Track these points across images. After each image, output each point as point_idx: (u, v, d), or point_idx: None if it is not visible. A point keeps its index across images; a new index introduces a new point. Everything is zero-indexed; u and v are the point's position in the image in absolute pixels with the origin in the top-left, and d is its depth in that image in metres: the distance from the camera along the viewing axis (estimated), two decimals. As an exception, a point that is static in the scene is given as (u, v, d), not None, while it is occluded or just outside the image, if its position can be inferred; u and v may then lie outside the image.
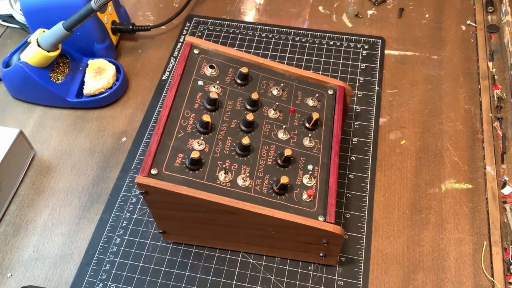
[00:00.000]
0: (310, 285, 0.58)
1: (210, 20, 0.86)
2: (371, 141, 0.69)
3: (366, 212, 0.63)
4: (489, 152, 0.67)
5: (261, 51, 0.80)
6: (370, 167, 0.67)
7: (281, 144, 0.56)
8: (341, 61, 0.78)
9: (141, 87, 0.78)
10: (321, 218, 0.52)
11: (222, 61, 0.60)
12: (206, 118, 0.54)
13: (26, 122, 0.74)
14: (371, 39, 0.81)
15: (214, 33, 0.83)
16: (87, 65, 0.76)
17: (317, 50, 0.80)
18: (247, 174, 0.53)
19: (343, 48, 0.80)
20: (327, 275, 0.59)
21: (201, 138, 0.54)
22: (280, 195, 0.53)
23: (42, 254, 0.62)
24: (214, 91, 0.57)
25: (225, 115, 0.56)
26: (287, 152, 0.53)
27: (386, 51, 0.80)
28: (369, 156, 0.68)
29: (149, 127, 0.72)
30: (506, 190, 0.64)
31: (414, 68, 0.77)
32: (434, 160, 0.67)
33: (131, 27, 0.80)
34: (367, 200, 0.64)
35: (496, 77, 0.75)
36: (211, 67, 0.59)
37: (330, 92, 0.61)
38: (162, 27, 0.84)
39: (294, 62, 0.79)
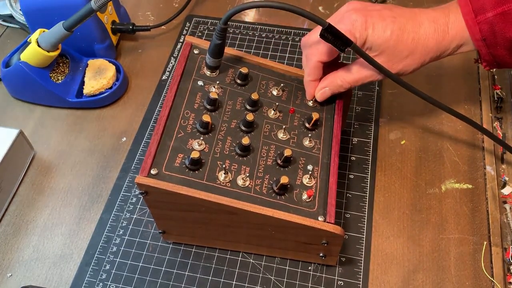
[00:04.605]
0: (310, 285, 0.58)
1: (210, 20, 0.86)
2: (371, 141, 0.69)
3: (366, 212, 0.63)
4: (489, 152, 0.67)
5: (261, 51, 0.80)
6: (370, 167, 0.67)
7: (281, 144, 0.56)
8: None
9: (141, 87, 0.78)
10: (321, 218, 0.52)
11: (222, 61, 0.59)
12: (206, 118, 0.54)
13: (26, 122, 0.74)
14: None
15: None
16: (87, 65, 0.76)
17: (317, 50, 0.80)
18: (247, 174, 0.53)
19: (343, 48, 0.80)
20: (327, 275, 0.59)
21: (201, 138, 0.54)
22: (280, 195, 0.53)
23: (42, 254, 0.62)
24: (214, 91, 0.57)
25: (225, 115, 0.56)
26: (287, 152, 0.53)
27: (386, 51, 0.80)
28: (369, 156, 0.68)
29: (149, 127, 0.72)
30: (506, 190, 0.64)
31: (414, 68, 0.77)
32: (434, 160, 0.67)
33: (131, 27, 0.80)
34: (367, 200, 0.64)
35: (496, 77, 0.75)
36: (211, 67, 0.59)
37: (330, 92, 0.61)
38: (162, 27, 0.84)
39: (294, 62, 0.79)
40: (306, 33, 0.58)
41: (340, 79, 0.57)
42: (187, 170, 0.52)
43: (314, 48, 0.56)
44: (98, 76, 0.74)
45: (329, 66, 0.58)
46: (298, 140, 0.57)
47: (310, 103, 0.60)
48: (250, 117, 0.55)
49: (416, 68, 0.56)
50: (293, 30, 0.83)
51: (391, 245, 0.61)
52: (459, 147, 0.69)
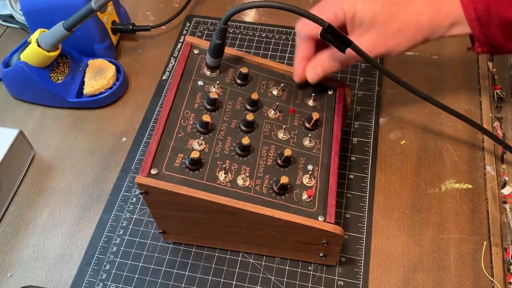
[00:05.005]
0: (310, 285, 0.58)
1: (210, 20, 0.86)
2: (371, 141, 0.69)
3: (366, 212, 0.63)
4: (489, 152, 0.67)
5: (261, 51, 0.80)
6: (370, 167, 0.67)
7: (281, 144, 0.56)
8: (341, 61, 0.78)
9: (141, 87, 0.78)
10: (321, 218, 0.52)
11: (222, 61, 0.59)
12: (206, 118, 0.54)
13: (26, 122, 0.74)
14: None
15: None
16: (87, 65, 0.76)
17: (317, 50, 0.80)
18: (247, 174, 0.53)
19: (343, 48, 0.80)
20: (327, 275, 0.59)
21: (201, 138, 0.54)
22: (280, 195, 0.53)
23: (42, 254, 0.62)
24: (214, 91, 0.57)
25: (225, 115, 0.56)
26: (287, 152, 0.53)
27: (386, 51, 0.80)
28: (369, 156, 0.68)
29: (149, 127, 0.72)
30: (506, 190, 0.64)
31: (414, 68, 0.77)
32: (434, 160, 0.67)
33: (131, 27, 0.80)
34: (367, 200, 0.64)
35: (496, 77, 0.75)
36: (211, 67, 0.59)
37: (330, 92, 0.61)
38: (162, 27, 0.84)
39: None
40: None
41: (332, 57, 0.55)
42: (187, 170, 0.52)
43: (306, 24, 0.55)
44: (98, 76, 0.74)
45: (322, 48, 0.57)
46: (298, 140, 0.57)
47: (310, 103, 0.60)
48: (250, 117, 0.55)
49: (408, 46, 0.54)
50: (293, 30, 0.83)
51: (391, 245, 0.61)
52: (459, 147, 0.69)
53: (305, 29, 0.56)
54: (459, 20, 0.54)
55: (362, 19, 0.53)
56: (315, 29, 0.54)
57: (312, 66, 0.57)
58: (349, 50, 0.55)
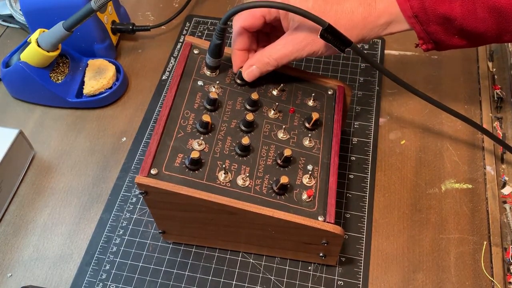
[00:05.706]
0: (310, 285, 0.58)
1: (210, 20, 0.86)
2: (371, 141, 0.69)
3: (366, 212, 0.63)
4: (489, 152, 0.67)
5: (261, 51, 0.80)
6: (370, 167, 0.67)
7: (281, 144, 0.56)
8: (341, 61, 0.78)
9: (141, 87, 0.78)
10: (321, 218, 0.52)
11: (222, 61, 0.59)
12: (206, 118, 0.54)
13: (26, 122, 0.74)
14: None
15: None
16: (87, 65, 0.76)
17: (317, 50, 0.80)
18: (247, 174, 0.53)
19: (343, 48, 0.80)
20: (327, 275, 0.59)
21: (201, 138, 0.54)
22: (280, 195, 0.53)
23: (42, 254, 0.62)
24: (214, 91, 0.57)
25: (225, 115, 0.56)
26: (287, 152, 0.53)
27: (386, 51, 0.80)
28: (369, 156, 0.68)
29: (149, 127, 0.72)
30: (506, 190, 0.64)
31: (414, 68, 0.77)
32: (434, 160, 0.67)
33: (131, 27, 0.80)
34: (367, 200, 0.64)
35: (496, 77, 0.75)
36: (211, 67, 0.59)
37: (330, 92, 0.61)
38: (162, 27, 0.85)
39: (294, 62, 0.79)
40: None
41: (267, 56, 0.55)
42: (187, 170, 0.52)
43: (240, 16, 0.55)
44: (98, 76, 0.74)
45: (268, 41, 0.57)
46: (298, 140, 0.57)
47: (310, 103, 0.60)
48: (250, 117, 0.55)
49: None
50: (293, 30, 0.83)
51: (391, 245, 0.61)
52: (459, 147, 0.69)
53: (238, 20, 0.56)
54: (395, 18, 0.53)
55: (294, 16, 0.52)
56: (246, 20, 0.54)
57: (248, 65, 0.57)
58: (281, 51, 0.54)
